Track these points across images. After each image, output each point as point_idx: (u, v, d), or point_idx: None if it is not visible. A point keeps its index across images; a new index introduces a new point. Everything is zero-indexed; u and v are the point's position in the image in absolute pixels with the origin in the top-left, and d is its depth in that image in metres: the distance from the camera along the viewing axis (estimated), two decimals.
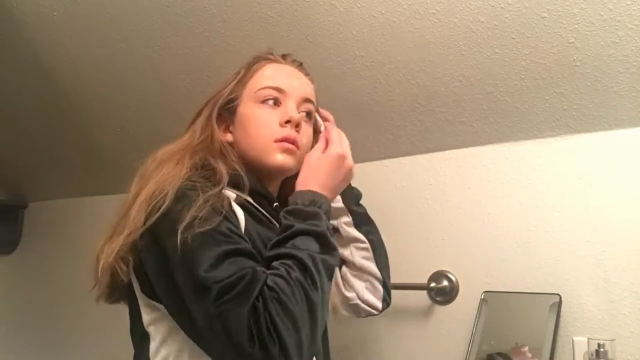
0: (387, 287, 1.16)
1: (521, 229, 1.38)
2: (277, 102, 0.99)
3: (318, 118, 1.07)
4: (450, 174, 1.51)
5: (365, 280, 1.14)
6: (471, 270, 1.42)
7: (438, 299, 1.46)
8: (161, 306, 0.86)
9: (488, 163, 1.46)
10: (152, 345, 0.88)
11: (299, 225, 0.86)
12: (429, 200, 1.52)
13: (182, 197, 0.84)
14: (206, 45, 1.58)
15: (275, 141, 0.97)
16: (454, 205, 1.48)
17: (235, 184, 0.93)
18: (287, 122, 0.98)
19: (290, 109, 0.99)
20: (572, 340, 1.26)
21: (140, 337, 0.91)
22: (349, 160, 0.97)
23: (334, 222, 1.13)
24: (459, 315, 1.41)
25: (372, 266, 1.13)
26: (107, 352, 2.11)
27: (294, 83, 1.02)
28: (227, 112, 1.02)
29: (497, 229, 1.41)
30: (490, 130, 1.44)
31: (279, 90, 1.00)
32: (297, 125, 0.98)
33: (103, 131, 2.04)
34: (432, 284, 1.45)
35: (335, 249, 0.88)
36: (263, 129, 0.98)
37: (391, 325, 1.51)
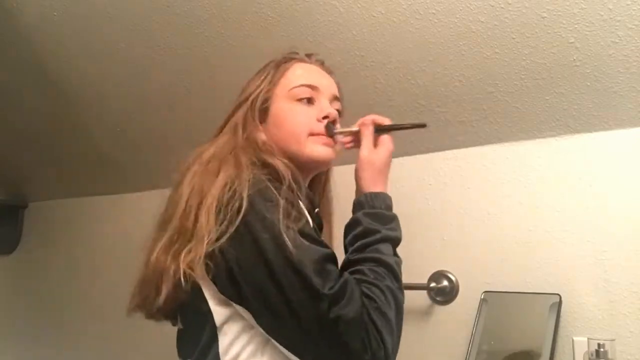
0: None
1: (521, 229, 1.38)
2: (311, 100, 1.01)
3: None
4: (450, 174, 1.51)
5: None
6: (471, 270, 1.42)
7: (438, 299, 1.46)
8: (238, 307, 0.84)
9: (488, 163, 1.46)
10: (222, 344, 0.85)
11: (384, 232, 0.90)
12: (429, 200, 1.52)
13: (263, 196, 0.84)
14: (206, 45, 1.58)
15: (312, 134, 0.98)
16: (454, 205, 1.48)
17: (295, 180, 0.92)
18: (325, 117, 0.99)
19: (325, 105, 1.01)
20: (572, 340, 1.26)
21: (208, 339, 0.87)
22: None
23: None
24: (459, 315, 1.41)
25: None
26: (107, 352, 2.11)
27: (324, 81, 1.04)
28: (260, 112, 1.01)
29: (497, 229, 1.41)
30: (490, 130, 1.44)
31: (313, 87, 1.01)
32: (334, 122, 1.00)
33: (103, 131, 2.04)
34: (432, 284, 1.45)
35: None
36: (300, 124, 0.98)
37: None
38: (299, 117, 0.99)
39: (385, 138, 1.02)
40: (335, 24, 1.38)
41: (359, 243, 0.88)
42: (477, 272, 1.41)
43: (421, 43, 1.34)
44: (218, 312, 0.86)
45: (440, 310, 1.46)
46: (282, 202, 0.83)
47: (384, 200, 0.95)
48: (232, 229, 0.82)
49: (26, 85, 1.98)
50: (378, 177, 0.97)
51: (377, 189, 0.96)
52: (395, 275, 0.87)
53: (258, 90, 1.01)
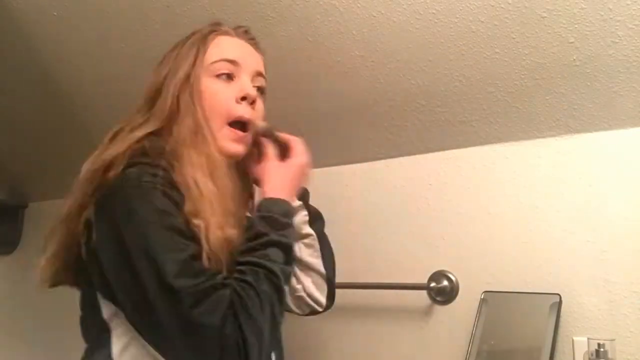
0: (332, 285, 1.12)
1: (521, 229, 1.38)
2: (230, 76, 0.99)
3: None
4: (450, 174, 1.51)
5: (310, 276, 1.10)
6: (471, 270, 1.42)
7: (438, 299, 1.46)
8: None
9: (488, 163, 1.46)
10: (115, 341, 0.88)
11: (273, 236, 0.87)
12: (429, 200, 1.52)
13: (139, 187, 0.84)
14: None
15: (229, 123, 0.97)
16: (454, 205, 1.48)
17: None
18: (243, 98, 0.97)
19: (245, 83, 0.98)
20: (572, 340, 1.26)
21: (98, 329, 0.90)
22: (309, 168, 1.02)
23: None
24: (459, 315, 1.41)
25: (318, 263, 1.10)
26: None
27: (247, 56, 1.02)
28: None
29: (497, 229, 1.41)
30: (490, 130, 1.44)
31: (233, 62, 0.99)
32: (253, 102, 0.98)
33: (103, 131, 2.04)
34: (432, 284, 1.45)
35: (294, 260, 0.95)
36: (219, 103, 0.97)
37: (391, 325, 1.51)
38: (217, 96, 0.97)
39: (298, 148, 1.01)
40: (335, 24, 1.38)
41: (247, 245, 0.87)
42: (477, 272, 1.41)
43: (421, 43, 1.33)
44: (105, 304, 0.88)
45: (440, 310, 1.46)
46: (157, 193, 0.82)
47: (281, 207, 0.93)
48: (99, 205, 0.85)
49: (26, 85, 1.97)
50: (281, 185, 0.96)
51: (278, 195, 0.94)
52: (276, 283, 0.84)
53: (184, 69, 0.98)
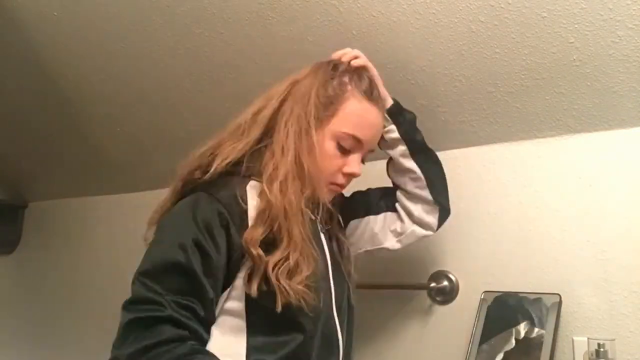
0: (444, 209, 1.22)
1: (521, 229, 1.38)
2: (347, 151, 1.03)
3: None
4: (451, 174, 1.50)
5: (419, 204, 1.20)
6: (471, 270, 1.42)
7: (438, 299, 1.46)
8: None
9: (488, 163, 1.46)
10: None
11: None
12: None
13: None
14: (206, 45, 1.58)
15: (331, 183, 1.03)
16: (453, 205, 1.47)
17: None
18: (348, 175, 1.04)
19: (356, 161, 1.03)
20: (572, 340, 1.26)
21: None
22: None
23: (390, 152, 1.20)
24: (459, 315, 1.41)
25: (425, 194, 1.19)
26: (108, 350, 2.11)
27: (373, 135, 1.06)
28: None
29: (497, 229, 1.41)
30: (490, 130, 1.44)
31: (358, 141, 1.02)
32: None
33: (103, 131, 2.04)
34: (432, 284, 1.45)
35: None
36: (326, 169, 1.01)
37: (391, 325, 1.51)
38: (328, 162, 1.01)
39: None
40: (335, 24, 1.38)
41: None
42: (477, 272, 1.41)
43: (421, 43, 1.33)
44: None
45: (440, 310, 1.46)
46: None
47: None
48: None
49: (26, 85, 1.98)
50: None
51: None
52: None
53: (312, 114, 0.99)
